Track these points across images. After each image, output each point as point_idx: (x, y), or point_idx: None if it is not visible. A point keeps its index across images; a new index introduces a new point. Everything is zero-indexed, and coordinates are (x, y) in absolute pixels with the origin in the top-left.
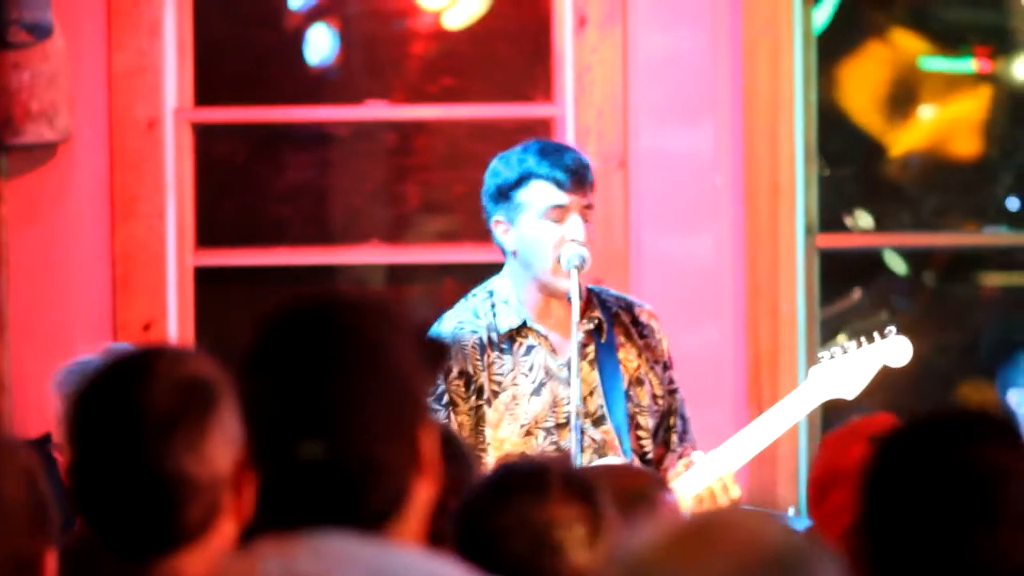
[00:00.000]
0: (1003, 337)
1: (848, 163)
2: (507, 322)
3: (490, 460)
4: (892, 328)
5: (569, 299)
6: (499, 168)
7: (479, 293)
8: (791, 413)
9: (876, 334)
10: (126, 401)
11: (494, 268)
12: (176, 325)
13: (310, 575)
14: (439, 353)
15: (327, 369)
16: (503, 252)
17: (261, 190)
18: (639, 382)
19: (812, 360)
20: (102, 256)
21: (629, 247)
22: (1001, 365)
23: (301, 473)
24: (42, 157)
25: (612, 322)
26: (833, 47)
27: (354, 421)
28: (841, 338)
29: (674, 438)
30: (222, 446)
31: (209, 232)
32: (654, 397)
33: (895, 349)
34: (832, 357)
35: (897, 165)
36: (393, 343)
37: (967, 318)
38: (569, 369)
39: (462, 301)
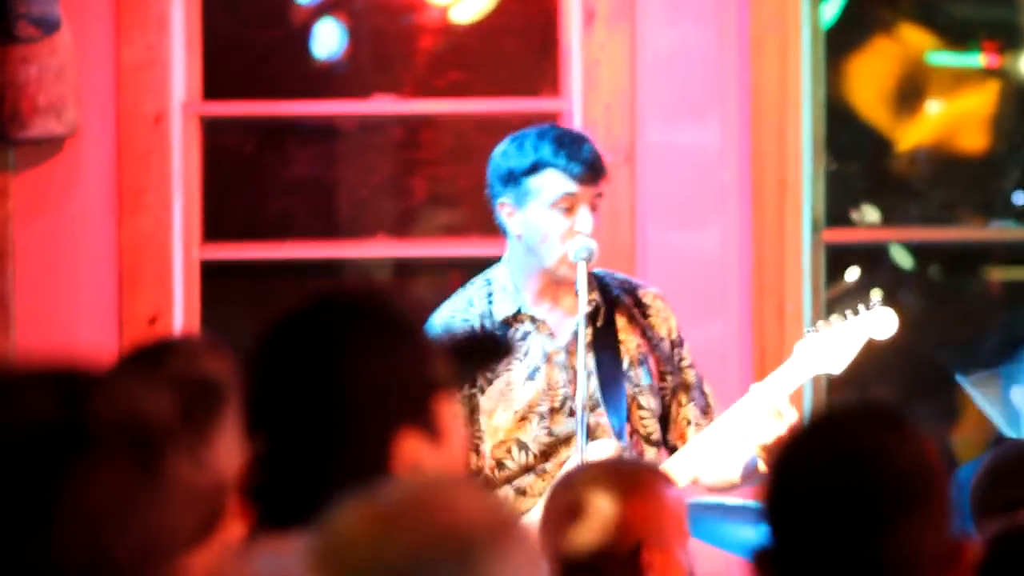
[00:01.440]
0: (1009, 332)
1: (855, 158)
2: (503, 309)
3: (486, 449)
4: (876, 300)
5: (577, 291)
6: (511, 151)
7: (477, 281)
8: (779, 388)
9: (861, 306)
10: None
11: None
12: (182, 319)
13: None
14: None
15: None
16: (504, 234)
17: (268, 184)
18: (640, 362)
19: None
20: (108, 250)
21: (635, 242)
22: (1005, 361)
23: (303, 464)
24: (49, 151)
25: (613, 305)
26: (841, 42)
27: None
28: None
29: (696, 411)
30: (228, 450)
31: (216, 226)
32: (660, 375)
33: (880, 321)
34: (817, 331)
35: (904, 160)
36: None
37: (974, 313)
38: (567, 353)
39: (460, 290)
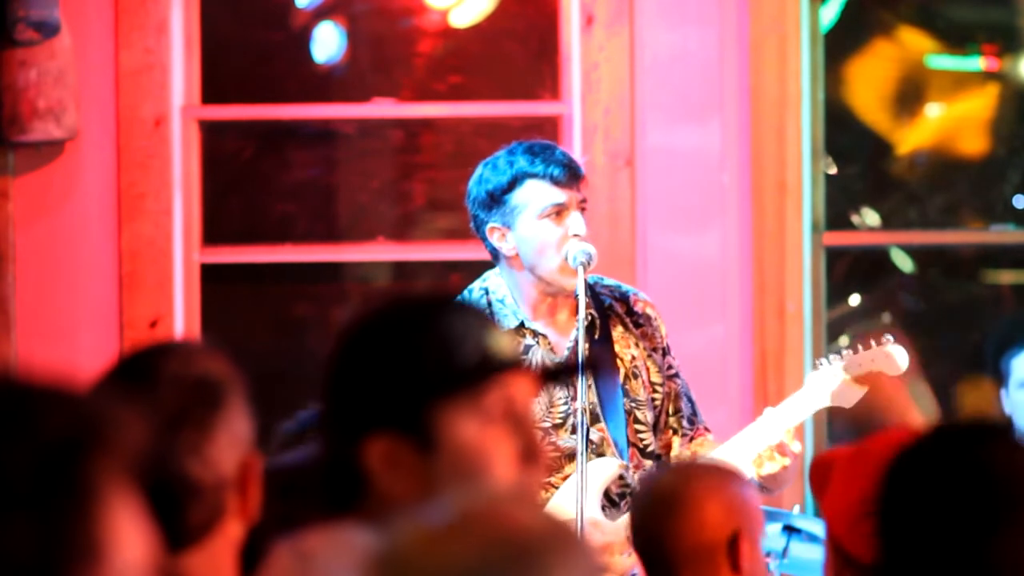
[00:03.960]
0: (1008, 335)
1: (855, 161)
2: (505, 323)
3: None
4: (889, 336)
5: (576, 296)
6: (486, 174)
7: (475, 289)
8: (791, 416)
9: (873, 341)
10: (131, 402)
11: None
12: (182, 322)
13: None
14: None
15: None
16: (495, 259)
17: (268, 187)
18: (634, 376)
19: (818, 357)
20: (109, 253)
21: (636, 245)
22: (1000, 365)
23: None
24: (49, 155)
25: (606, 316)
26: (840, 45)
27: None
28: (843, 339)
29: (683, 422)
30: (228, 448)
31: (216, 229)
32: (652, 386)
33: (892, 357)
34: (830, 364)
35: (904, 163)
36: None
37: (974, 316)
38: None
39: (459, 297)
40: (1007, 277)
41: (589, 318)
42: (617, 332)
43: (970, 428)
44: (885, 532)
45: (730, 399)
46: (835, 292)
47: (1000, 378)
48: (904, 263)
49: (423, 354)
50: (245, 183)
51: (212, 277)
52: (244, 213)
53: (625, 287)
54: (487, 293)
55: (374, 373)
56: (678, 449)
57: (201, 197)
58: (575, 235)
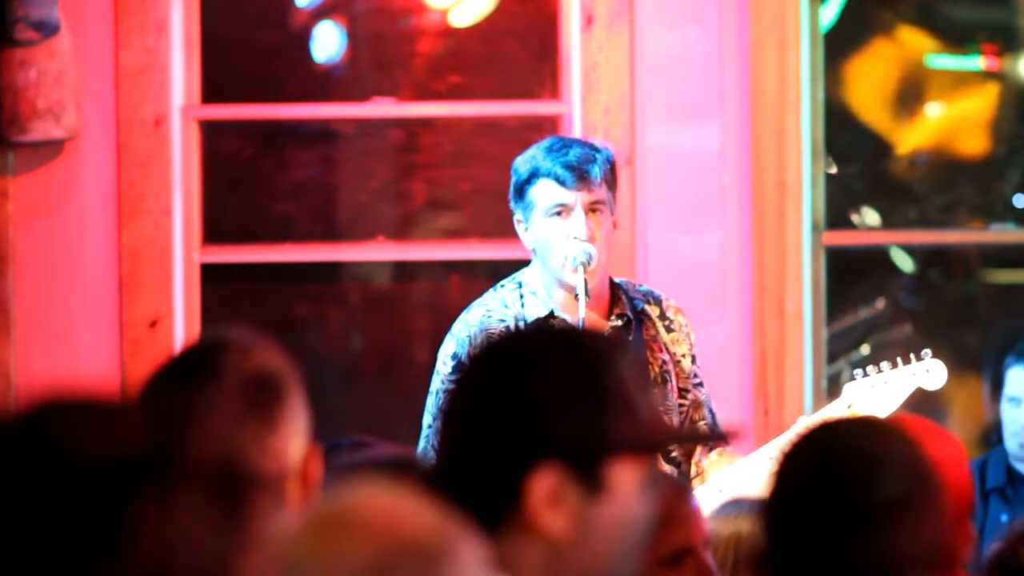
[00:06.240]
0: (1007, 335)
1: (855, 161)
2: (535, 312)
3: None
4: (928, 351)
5: (576, 296)
6: (517, 165)
7: (508, 284)
8: None
9: (912, 356)
10: (194, 398)
11: (500, 265)
12: (182, 322)
13: None
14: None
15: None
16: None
17: (268, 187)
18: (663, 381)
19: (818, 358)
20: (109, 253)
21: (636, 244)
22: (994, 366)
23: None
24: (49, 155)
25: (640, 319)
26: (840, 45)
27: None
28: (864, 348)
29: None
30: (291, 439)
31: (216, 229)
32: (680, 392)
33: (931, 373)
34: (867, 376)
35: (904, 163)
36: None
37: (974, 316)
38: None
39: (491, 291)
40: (1007, 276)
41: (625, 319)
42: (649, 335)
43: (853, 426)
44: (771, 527)
45: (730, 398)
46: (836, 294)
47: (996, 383)
48: (904, 263)
49: (610, 402)
50: (245, 183)
51: (212, 277)
52: (244, 213)
53: (657, 292)
54: (520, 287)
55: (563, 404)
56: (699, 457)
57: (201, 197)
58: (576, 236)
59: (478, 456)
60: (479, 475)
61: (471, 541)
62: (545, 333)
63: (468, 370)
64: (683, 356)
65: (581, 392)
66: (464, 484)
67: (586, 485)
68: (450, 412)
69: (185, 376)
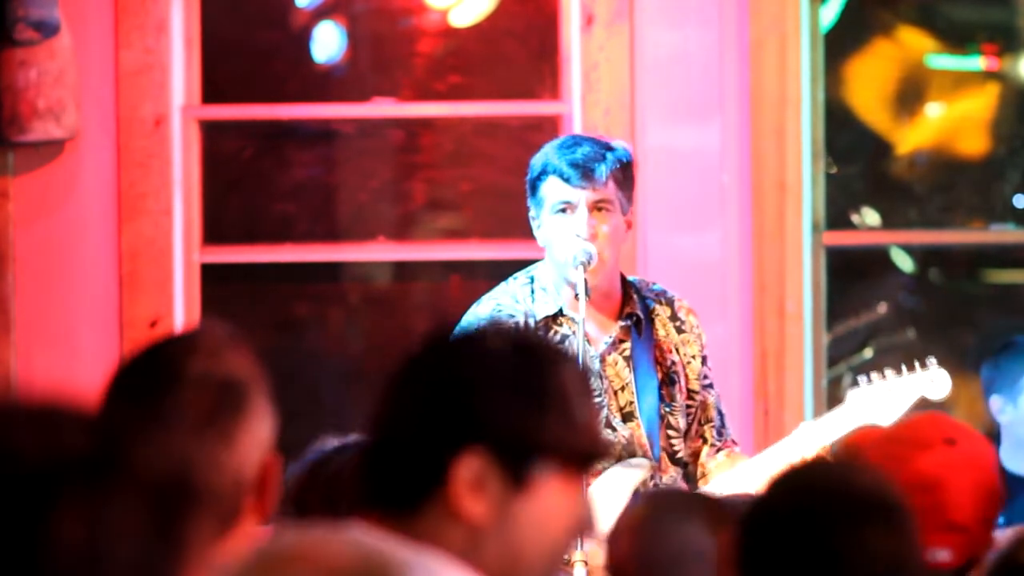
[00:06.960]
0: (1006, 336)
1: (855, 161)
2: (544, 309)
3: None
4: (933, 359)
5: (576, 295)
6: (532, 162)
7: (521, 277)
8: (825, 433)
9: (917, 363)
10: (152, 407)
11: (500, 265)
12: (182, 322)
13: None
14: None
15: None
16: None
17: (268, 187)
18: (672, 381)
19: (818, 358)
20: (109, 253)
21: (636, 244)
22: (989, 368)
23: None
24: (49, 154)
25: (650, 318)
26: (840, 45)
27: None
28: (867, 351)
29: (712, 432)
30: (248, 452)
31: (216, 229)
32: (689, 393)
33: (935, 382)
34: (871, 383)
35: (904, 163)
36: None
37: (974, 316)
38: (601, 361)
39: (502, 285)
40: (1007, 276)
41: (634, 317)
42: (660, 335)
43: (818, 473)
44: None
45: (730, 398)
46: (836, 294)
47: (991, 383)
48: (904, 263)
49: (548, 403)
50: (245, 183)
51: (212, 277)
52: (244, 213)
53: (671, 292)
54: (532, 281)
55: (500, 393)
56: (705, 458)
57: (201, 197)
58: (577, 235)
59: (411, 433)
60: (410, 452)
61: (407, 571)
62: (498, 325)
63: (414, 350)
64: (693, 357)
65: (521, 386)
66: (395, 460)
67: (509, 477)
68: (390, 387)
69: (146, 381)
